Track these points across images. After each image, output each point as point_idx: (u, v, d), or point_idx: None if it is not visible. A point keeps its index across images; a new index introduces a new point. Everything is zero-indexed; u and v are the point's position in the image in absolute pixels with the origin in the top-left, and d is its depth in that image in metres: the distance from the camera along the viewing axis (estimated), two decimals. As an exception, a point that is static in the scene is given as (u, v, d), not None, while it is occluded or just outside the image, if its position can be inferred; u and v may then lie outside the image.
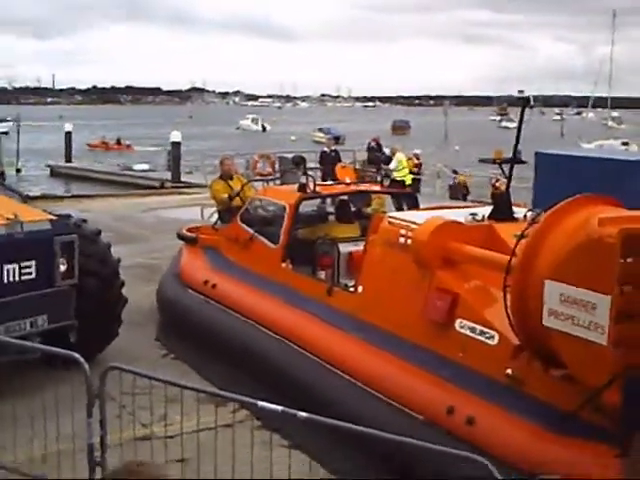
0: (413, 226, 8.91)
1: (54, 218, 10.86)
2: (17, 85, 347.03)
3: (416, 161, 31.55)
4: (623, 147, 59.09)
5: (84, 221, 11.61)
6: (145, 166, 48.90)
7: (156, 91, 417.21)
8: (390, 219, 9.58)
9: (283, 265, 11.52)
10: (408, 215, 9.78)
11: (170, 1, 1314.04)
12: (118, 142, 75.67)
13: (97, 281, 10.99)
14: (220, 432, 7.61)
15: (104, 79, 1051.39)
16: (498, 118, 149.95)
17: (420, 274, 8.60)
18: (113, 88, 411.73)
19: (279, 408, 6.36)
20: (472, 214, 9.28)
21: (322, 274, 11.27)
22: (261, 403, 6.50)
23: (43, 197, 31.35)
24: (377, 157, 29.17)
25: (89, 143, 74.05)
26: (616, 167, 15.45)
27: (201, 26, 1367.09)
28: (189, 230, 14.44)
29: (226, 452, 7.11)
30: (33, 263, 10.19)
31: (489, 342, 7.67)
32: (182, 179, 39.40)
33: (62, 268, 10.44)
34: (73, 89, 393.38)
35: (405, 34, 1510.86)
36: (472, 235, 8.56)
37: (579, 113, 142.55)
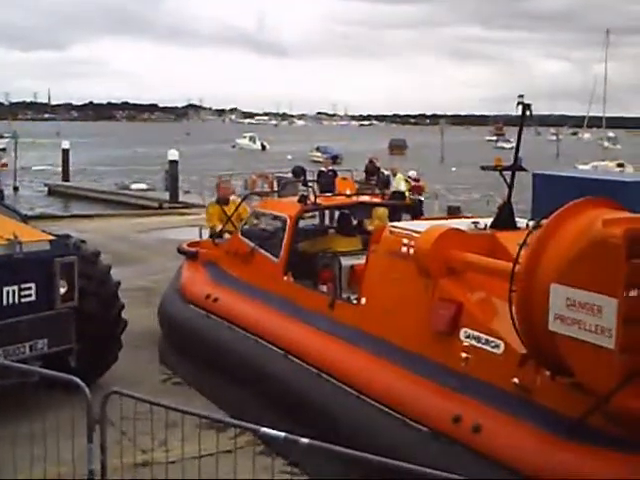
0: (415, 235, 8.79)
1: (53, 239, 10.80)
2: (13, 100, 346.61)
3: (413, 183, 31.43)
4: (618, 169, 59.19)
5: (83, 242, 11.57)
6: (142, 185, 48.93)
7: (152, 108, 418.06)
8: (392, 229, 9.46)
9: (285, 278, 11.35)
10: (410, 225, 9.68)
11: (166, 17, 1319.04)
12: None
13: (97, 304, 10.94)
14: (221, 458, 7.56)
15: (100, 94, 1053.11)
16: (494, 138, 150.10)
17: (423, 283, 8.50)
18: (109, 104, 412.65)
19: (282, 434, 6.32)
20: (474, 222, 9.23)
21: (324, 288, 11.14)
22: (263, 429, 6.45)
23: (41, 217, 31.33)
24: (377, 179, 29.04)
25: None
26: (612, 187, 15.60)
27: (196, 41, 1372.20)
28: (190, 245, 14.39)
29: (227, 478, 7.08)
30: (33, 285, 10.15)
31: (495, 351, 7.59)
32: (180, 199, 39.39)
33: (62, 290, 10.39)
34: (69, 105, 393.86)
35: (399, 51, 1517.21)
36: (475, 243, 8.46)
37: (575, 133, 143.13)
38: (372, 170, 30.84)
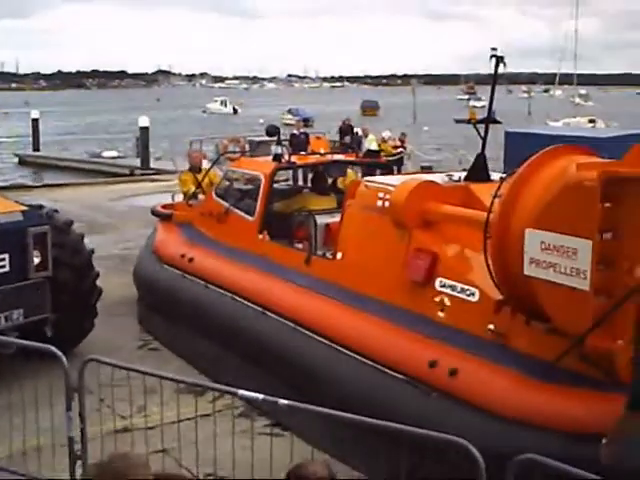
0: (390, 188, 8.90)
1: (26, 209, 10.74)
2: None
3: (394, 143, 31.28)
4: (590, 125, 59.26)
5: (56, 211, 11.51)
6: (114, 153, 48.56)
7: (122, 75, 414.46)
8: (367, 183, 9.57)
9: (260, 237, 11.40)
10: (385, 179, 9.78)
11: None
12: None
13: (71, 273, 10.92)
14: (200, 422, 7.61)
15: (68, 63, 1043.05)
16: (466, 97, 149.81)
17: (399, 235, 8.62)
18: (78, 72, 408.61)
19: (260, 396, 6.36)
20: (448, 175, 9.36)
21: (299, 246, 11.20)
22: (241, 392, 6.48)
23: (12, 187, 31.11)
24: (350, 139, 29.00)
25: None
26: (585, 143, 15.62)
27: (163, 7, 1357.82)
28: (163, 207, 14.43)
29: (207, 442, 7.13)
30: (6, 256, 10.10)
31: (470, 299, 7.74)
32: (152, 166, 39.15)
33: (36, 260, 10.35)
34: (38, 74, 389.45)
35: (370, 12, 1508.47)
36: (449, 195, 8.59)
37: (546, 91, 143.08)
38: (346, 130, 30.83)
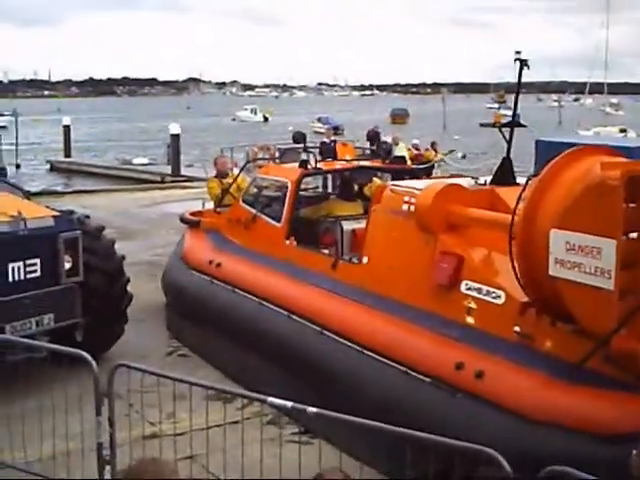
0: (416, 192, 8.94)
1: (57, 214, 10.81)
2: (12, 78, 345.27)
3: (415, 152, 31.20)
4: (621, 134, 58.83)
5: (87, 217, 11.58)
6: (144, 160, 48.75)
7: (152, 82, 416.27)
8: (393, 187, 9.64)
9: (287, 242, 11.46)
10: (411, 183, 9.82)
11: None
12: None
13: (102, 278, 10.98)
14: (229, 429, 7.61)
15: (99, 70, 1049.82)
16: (496, 106, 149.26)
17: (424, 239, 8.66)
18: (109, 79, 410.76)
19: (289, 404, 6.34)
20: (474, 179, 9.45)
21: (326, 252, 11.28)
22: (270, 399, 6.47)
23: (44, 193, 31.28)
24: (376, 146, 28.89)
25: None
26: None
27: (194, 14, 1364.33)
28: (192, 214, 14.55)
29: (235, 449, 7.12)
30: (38, 261, 10.17)
31: (496, 302, 7.75)
32: (182, 173, 39.27)
33: (67, 265, 10.42)
34: (70, 81, 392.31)
35: (398, 20, 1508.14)
36: (475, 198, 8.63)
37: (577, 100, 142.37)
38: (372, 137, 30.62)
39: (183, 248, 13.77)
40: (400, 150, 27.18)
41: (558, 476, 5.26)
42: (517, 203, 7.25)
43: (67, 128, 54.38)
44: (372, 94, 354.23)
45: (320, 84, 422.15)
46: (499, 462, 5.30)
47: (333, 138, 27.62)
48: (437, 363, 7.84)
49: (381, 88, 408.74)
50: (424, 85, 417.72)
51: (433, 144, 32.44)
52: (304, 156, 12.38)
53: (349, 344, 9.01)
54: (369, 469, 7.68)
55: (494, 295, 7.77)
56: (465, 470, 6.52)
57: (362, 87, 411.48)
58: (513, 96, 9.79)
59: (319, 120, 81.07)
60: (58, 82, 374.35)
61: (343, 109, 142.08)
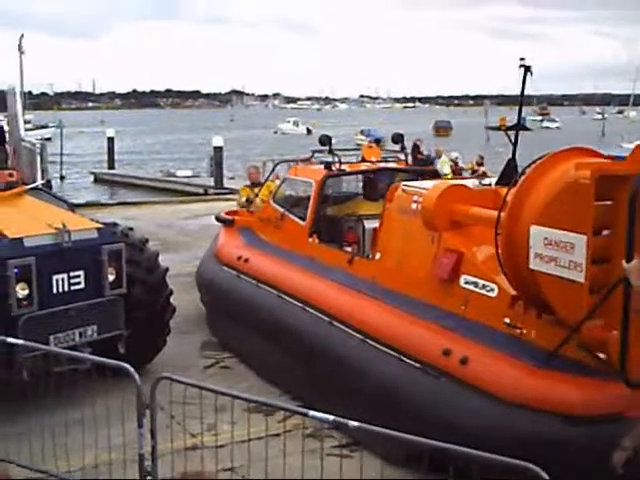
0: (424, 192, 9.51)
1: (101, 226, 10.87)
2: (57, 90, 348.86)
3: (471, 166, 30.87)
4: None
5: (130, 229, 11.65)
6: (188, 172, 49.06)
7: (195, 94, 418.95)
8: (404, 187, 10.19)
9: (310, 240, 12.11)
10: (421, 184, 10.32)
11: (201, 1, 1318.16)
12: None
13: (145, 290, 11.03)
14: (270, 441, 7.61)
15: (143, 82, 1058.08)
16: (539, 118, 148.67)
17: (429, 236, 9.25)
18: (152, 92, 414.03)
19: (330, 417, 6.34)
20: (480, 179, 10.06)
21: (348, 249, 11.82)
22: (312, 412, 6.48)
23: (88, 205, 31.55)
24: (413, 157, 28.68)
25: None
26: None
27: (238, 26, 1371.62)
28: (227, 214, 15.32)
29: (276, 461, 7.13)
30: (82, 273, 10.22)
31: (490, 294, 8.32)
32: (225, 185, 39.44)
33: (110, 277, 10.46)
34: (113, 93, 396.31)
35: (439, 32, 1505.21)
36: (479, 198, 9.06)
37: (621, 112, 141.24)
38: (413, 148, 30.37)
39: (216, 245, 14.48)
40: (442, 164, 26.96)
41: None
42: (504, 201, 7.78)
43: (111, 140, 55.06)
44: (414, 106, 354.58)
45: (362, 96, 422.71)
46: (541, 478, 5.26)
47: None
48: (427, 350, 8.38)
49: (423, 100, 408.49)
50: (467, 97, 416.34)
51: (479, 158, 31.99)
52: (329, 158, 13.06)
53: (354, 333, 9.55)
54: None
55: (488, 288, 8.33)
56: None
57: (404, 99, 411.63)
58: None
59: (362, 133, 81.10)
60: (102, 94, 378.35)
61: (386, 121, 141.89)
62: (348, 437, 8.69)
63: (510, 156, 10.02)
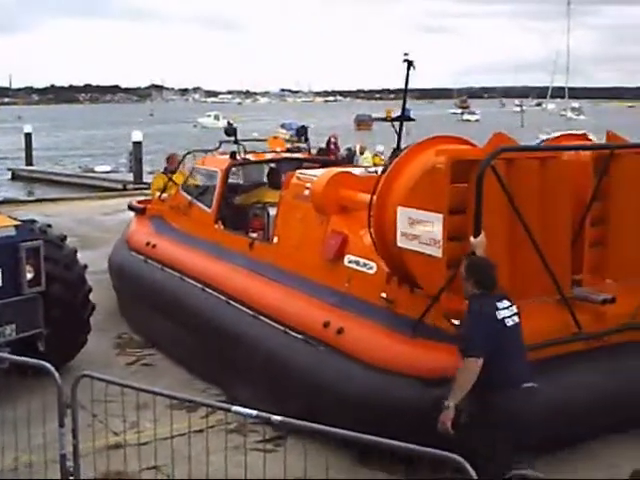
0: (315, 179, 10.28)
1: (19, 223, 10.71)
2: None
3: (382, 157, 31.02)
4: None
5: (49, 226, 11.50)
6: (107, 167, 48.55)
7: (115, 89, 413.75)
8: (299, 175, 10.86)
9: (215, 226, 12.62)
10: (314, 172, 11.03)
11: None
12: None
13: (64, 288, 10.87)
14: (193, 437, 7.59)
15: (61, 77, 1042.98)
16: (459, 111, 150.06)
17: (319, 220, 9.96)
18: (71, 87, 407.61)
19: (253, 412, 6.35)
20: (367, 168, 10.86)
21: (254, 235, 12.26)
22: (235, 407, 6.49)
23: (5, 202, 30.98)
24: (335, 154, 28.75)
25: None
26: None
27: (157, 21, 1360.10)
28: (139, 202, 16.00)
29: (199, 458, 7.11)
30: (-1, 271, 10.07)
31: (369, 272, 9.04)
32: (145, 180, 39.05)
33: (28, 275, 10.31)
34: (31, 88, 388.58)
35: (361, 26, 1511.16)
36: (364, 184, 9.55)
37: (539, 104, 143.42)
38: (335, 146, 30.51)
39: (127, 232, 15.00)
40: (365, 160, 27.11)
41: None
42: (376, 185, 8.42)
43: (28, 136, 53.98)
44: (335, 100, 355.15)
45: (283, 90, 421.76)
46: (465, 468, 5.32)
47: (297, 145, 27.57)
48: (309, 323, 9.17)
49: (344, 94, 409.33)
50: (387, 91, 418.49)
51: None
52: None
53: (248, 311, 10.30)
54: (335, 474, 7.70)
55: (368, 267, 9.03)
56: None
57: (325, 93, 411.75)
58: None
59: (282, 126, 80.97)
60: (19, 89, 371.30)
61: (307, 115, 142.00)
62: (272, 431, 8.69)
63: (395, 146, 10.53)
